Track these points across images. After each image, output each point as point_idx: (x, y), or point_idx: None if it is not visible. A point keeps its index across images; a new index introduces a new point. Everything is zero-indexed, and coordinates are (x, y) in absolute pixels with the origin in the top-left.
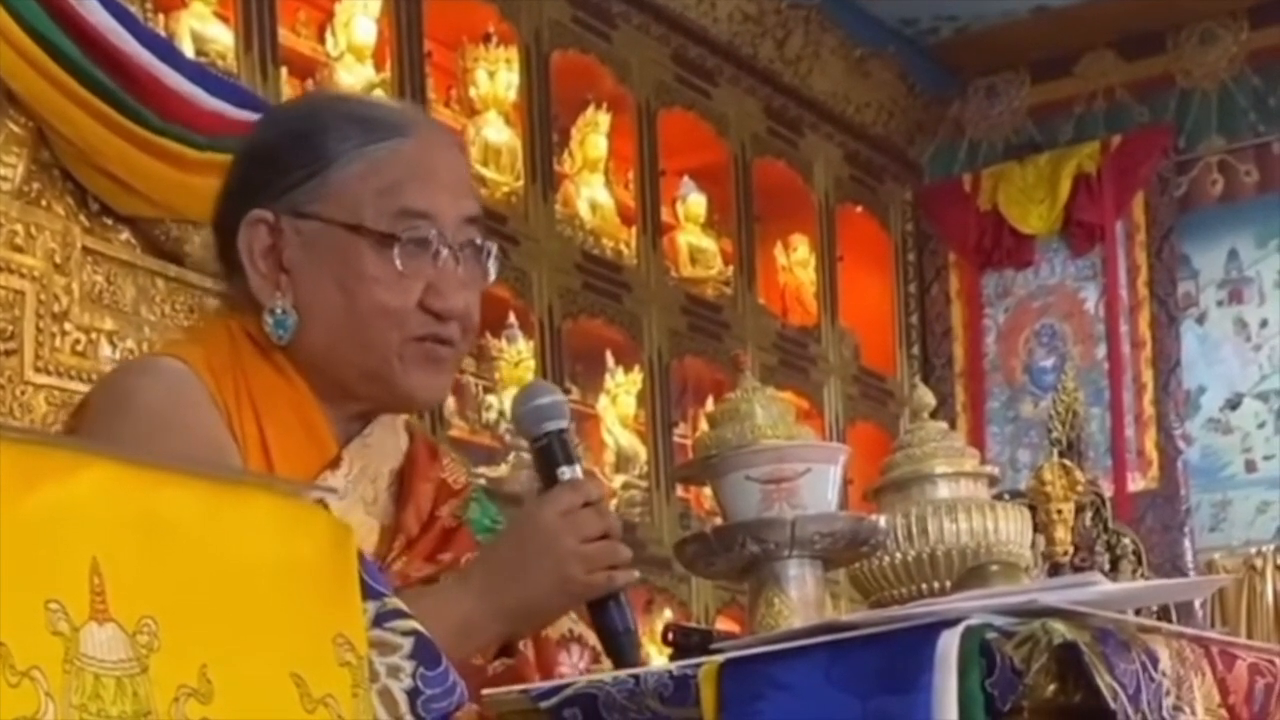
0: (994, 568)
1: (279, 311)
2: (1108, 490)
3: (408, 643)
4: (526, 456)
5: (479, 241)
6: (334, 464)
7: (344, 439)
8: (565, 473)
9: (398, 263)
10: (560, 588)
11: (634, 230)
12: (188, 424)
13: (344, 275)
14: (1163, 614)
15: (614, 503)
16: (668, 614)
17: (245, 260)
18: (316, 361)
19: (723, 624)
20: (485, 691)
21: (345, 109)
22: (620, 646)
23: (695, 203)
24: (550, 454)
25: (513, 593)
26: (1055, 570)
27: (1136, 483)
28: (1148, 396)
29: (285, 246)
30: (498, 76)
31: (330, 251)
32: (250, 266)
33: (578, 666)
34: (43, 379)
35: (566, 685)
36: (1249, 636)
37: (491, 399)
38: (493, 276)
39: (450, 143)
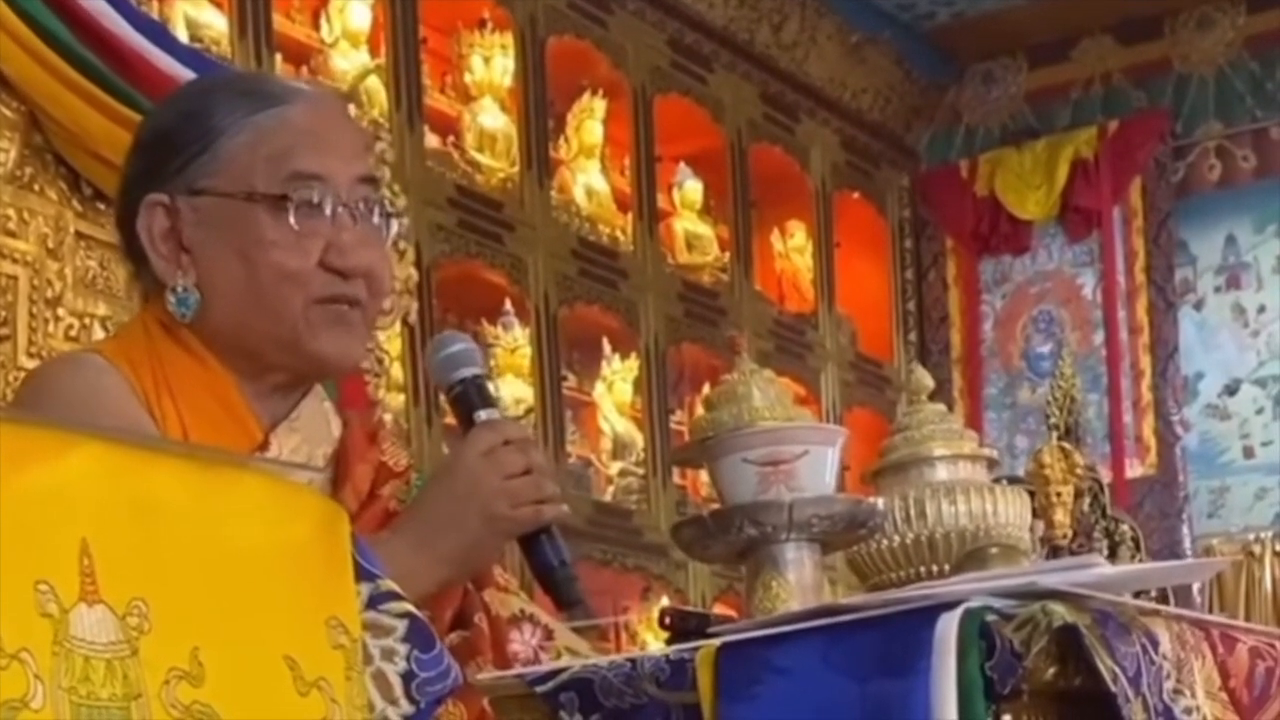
0: (993, 550)
1: (180, 290)
2: (1106, 477)
3: (402, 625)
4: None
5: (375, 199)
6: (261, 447)
7: (269, 421)
8: (482, 415)
9: (293, 223)
10: (489, 526)
11: (630, 217)
12: (109, 412)
13: (243, 244)
14: (1161, 600)
15: (610, 489)
16: (665, 601)
17: (146, 245)
18: (227, 337)
19: (720, 610)
20: (480, 676)
21: (232, 83)
22: (556, 580)
23: (691, 189)
24: (466, 399)
25: (446, 538)
26: (1054, 554)
27: (1134, 469)
28: (1145, 383)
29: (184, 226)
30: (493, 62)
31: (227, 224)
32: (151, 250)
33: (530, 644)
34: (36, 364)
35: (562, 670)
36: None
37: (488, 386)
38: (391, 235)
39: (339, 108)
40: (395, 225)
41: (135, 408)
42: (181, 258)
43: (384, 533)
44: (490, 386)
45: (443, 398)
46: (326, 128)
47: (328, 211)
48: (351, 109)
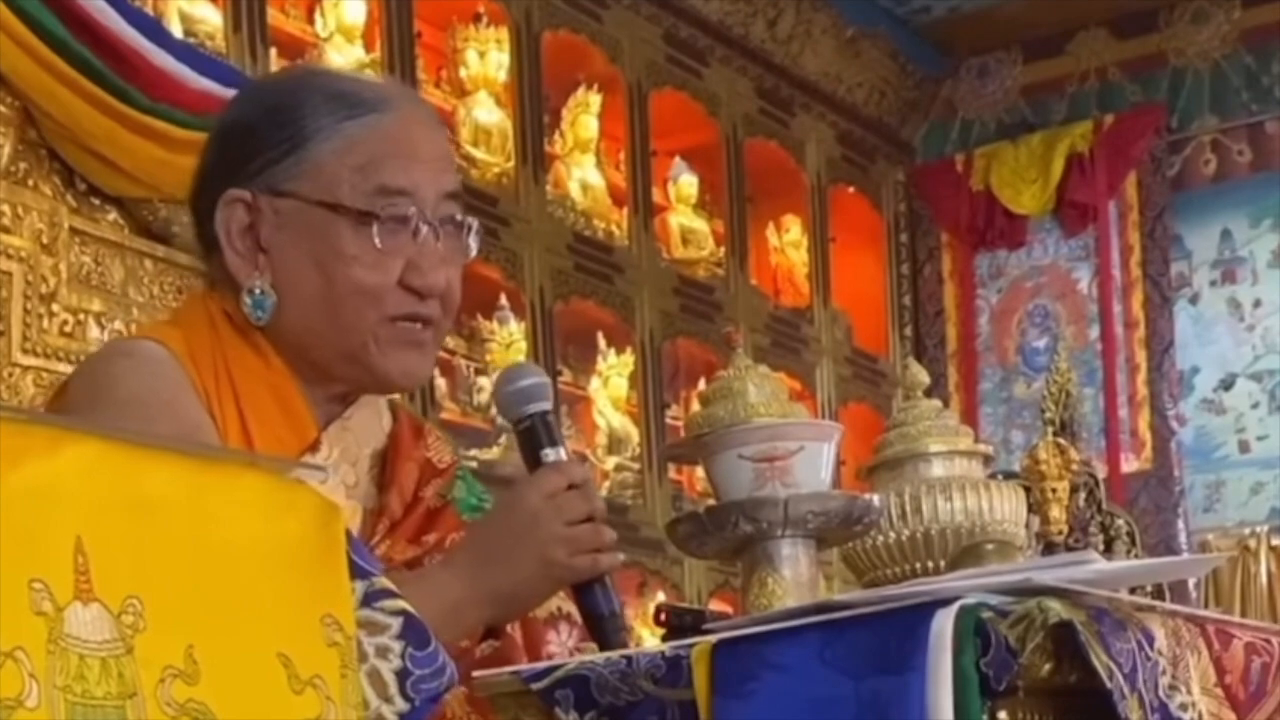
0: (989, 547)
1: (257, 292)
2: (1101, 471)
3: (396, 623)
4: None
5: (459, 217)
6: (313, 447)
7: (325, 421)
8: (549, 455)
9: (376, 241)
10: (545, 571)
11: (625, 211)
12: (167, 407)
13: (322, 254)
14: (1157, 595)
15: (606, 485)
16: (660, 597)
17: (223, 240)
18: (295, 342)
19: (716, 606)
20: (475, 674)
21: (323, 84)
22: (605, 630)
23: (687, 183)
24: (534, 436)
25: (498, 577)
26: (1050, 550)
27: (1130, 464)
28: (1141, 377)
29: (263, 225)
30: (488, 57)
31: (308, 230)
32: (228, 246)
33: (566, 645)
34: (30, 360)
35: (557, 667)
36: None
37: (483, 381)
38: (474, 252)
39: (430, 118)
40: (476, 243)
41: (193, 401)
42: (258, 258)
43: (434, 562)
44: (558, 423)
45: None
46: (416, 140)
47: (411, 230)
48: None
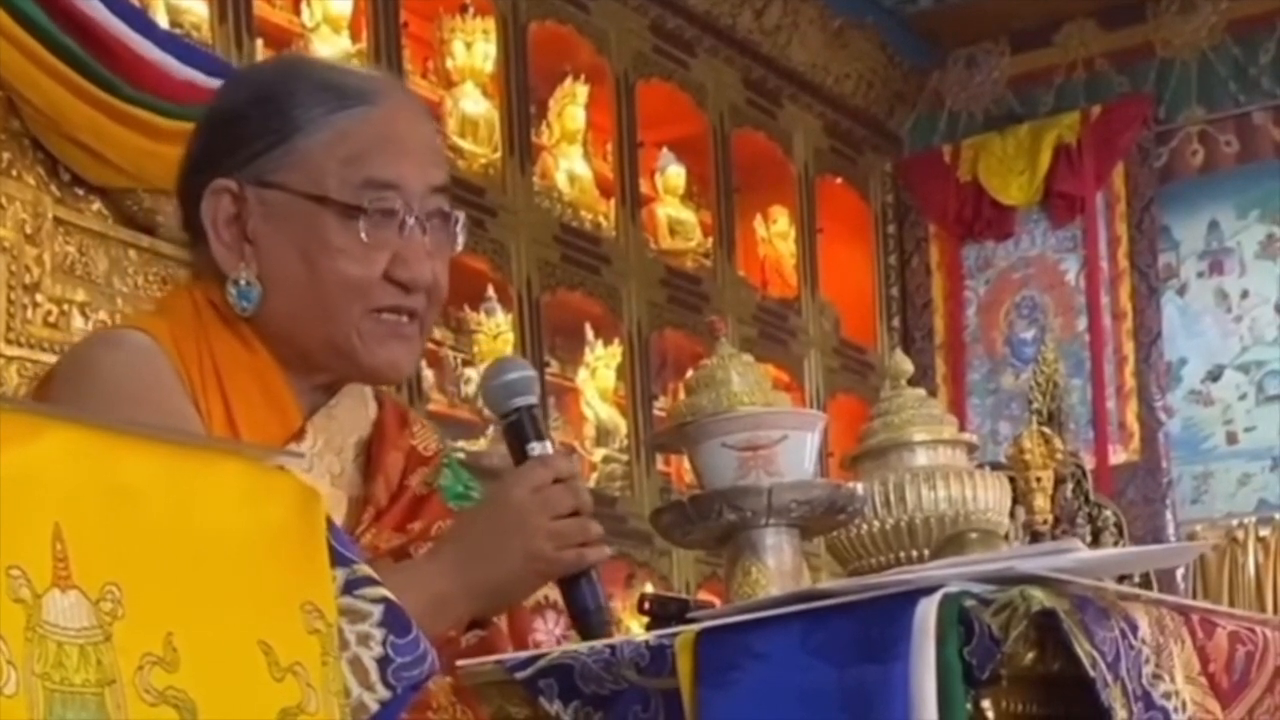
0: (972, 535)
1: (243, 282)
2: (1089, 463)
3: (377, 610)
4: None
5: (446, 210)
6: (298, 436)
7: (309, 410)
8: (535, 449)
9: (363, 234)
10: (531, 565)
11: (613, 202)
12: (151, 396)
13: (308, 246)
14: (1144, 588)
15: (594, 476)
16: (648, 588)
17: (209, 230)
18: (280, 332)
19: (703, 598)
20: (460, 663)
21: (313, 74)
22: (590, 624)
23: (674, 174)
24: (520, 430)
25: (483, 570)
26: (1036, 539)
27: (1118, 455)
28: (1129, 368)
29: (249, 216)
30: (475, 48)
31: (294, 221)
32: (214, 236)
33: (553, 633)
34: (14, 351)
35: (541, 656)
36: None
37: (470, 372)
38: (460, 245)
39: (419, 111)
40: (463, 236)
41: (178, 390)
42: (244, 248)
43: (420, 554)
44: (543, 417)
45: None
46: (404, 133)
47: (398, 223)
48: None
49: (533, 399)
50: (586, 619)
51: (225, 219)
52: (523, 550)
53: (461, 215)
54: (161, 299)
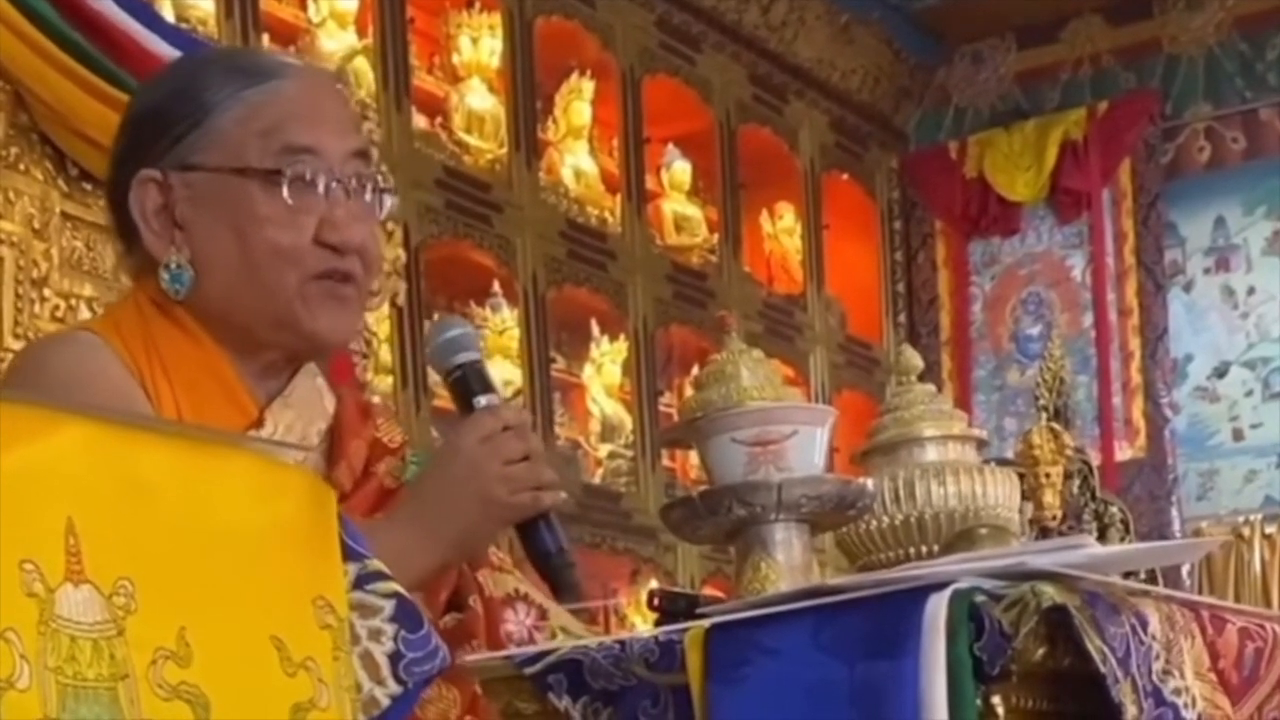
0: (982, 531)
1: (173, 266)
2: (1095, 459)
3: (389, 605)
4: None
5: (366, 174)
6: (257, 424)
7: (264, 398)
8: (482, 400)
9: (287, 198)
10: (486, 511)
11: (618, 198)
12: (101, 389)
13: (236, 220)
14: (1150, 582)
15: (599, 472)
16: (654, 584)
17: (139, 221)
18: (219, 313)
19: (709, 593)
20: (469, 658)
21: (220, 60)
22: (552, 567)
23: (680, 170)
24: (465, 384)
25: (440, 520)
26: (1044, 535)
27: (1124, 451)
28: (1135, 365)
29: (176, 202)
30: (481, 43)
31: (220, 199)
32: (144, 227)
33: (524, 624)
34: (22, 345)
35: (550, 651)
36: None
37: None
38: (384, 211)
39: (329, 81)
40: (389, 201)
41: (130, 386)
42: (175, 234)
43: (380, 516)
44: (489, 371)
45: (440, 381)
46: (318, 102)
47: (321, 187)
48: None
49: (475, 355)
50: (548, 562)
51: (154, 209)
52: (477, 496)
53: (383, 180)
54: (109, 305)
